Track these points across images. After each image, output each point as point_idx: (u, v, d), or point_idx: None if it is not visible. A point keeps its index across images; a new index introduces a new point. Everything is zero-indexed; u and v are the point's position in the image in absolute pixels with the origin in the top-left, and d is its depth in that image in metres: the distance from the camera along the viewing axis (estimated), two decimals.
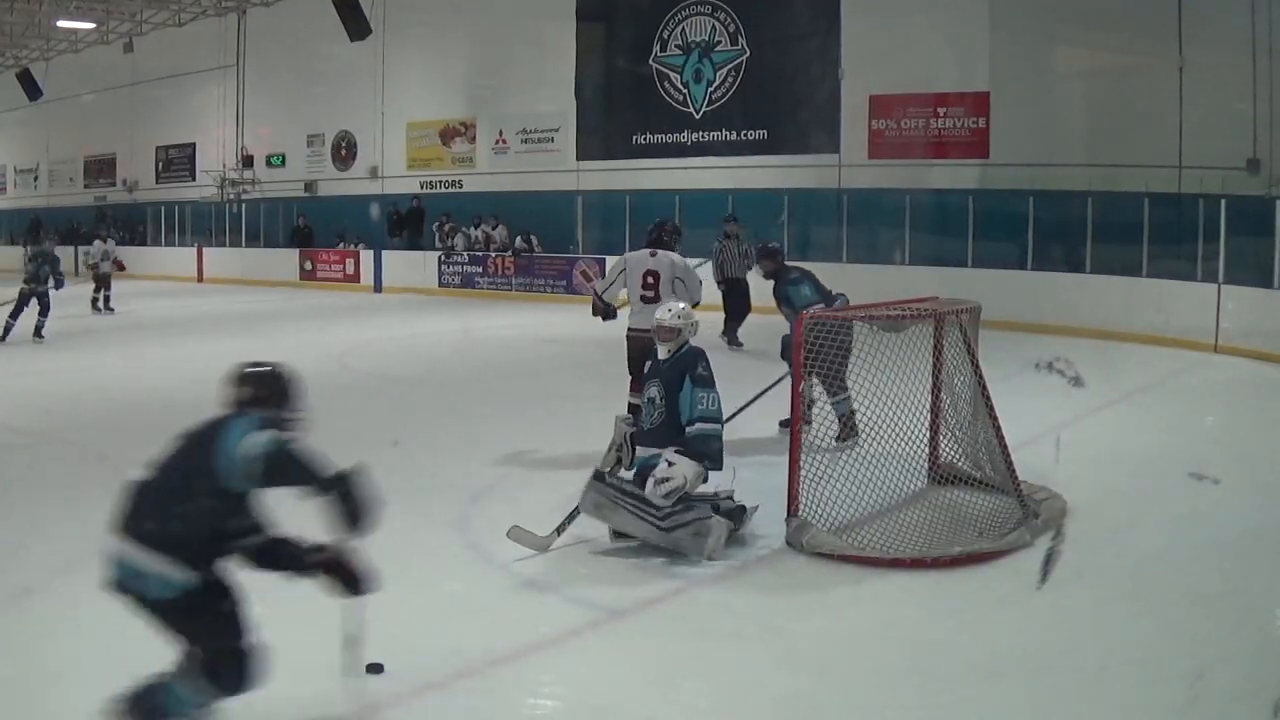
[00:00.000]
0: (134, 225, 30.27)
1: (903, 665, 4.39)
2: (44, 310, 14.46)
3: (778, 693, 4.19)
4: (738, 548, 5.69)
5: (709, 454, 5.55)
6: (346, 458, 7.17)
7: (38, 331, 14.33)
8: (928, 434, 6.68)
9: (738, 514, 5.73)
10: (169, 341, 15.31)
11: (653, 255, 7.89)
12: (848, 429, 7.27)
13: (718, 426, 5.60)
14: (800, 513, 5.67)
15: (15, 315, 14.35)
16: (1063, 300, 13.88)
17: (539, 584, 5.26)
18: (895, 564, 5.37)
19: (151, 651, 4.43)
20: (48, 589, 5.30)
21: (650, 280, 7.75)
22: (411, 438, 8.38)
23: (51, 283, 14.54)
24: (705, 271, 11.04)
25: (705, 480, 5.62)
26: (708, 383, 5.61)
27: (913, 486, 6.45)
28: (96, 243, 19.61)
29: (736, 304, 13.19)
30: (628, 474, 5.78)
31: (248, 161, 26.99)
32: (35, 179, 35.88)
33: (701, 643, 4.64)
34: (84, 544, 5.79)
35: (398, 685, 4.18)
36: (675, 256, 7.91)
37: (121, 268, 19.52)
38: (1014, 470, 6.09)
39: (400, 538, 5.91)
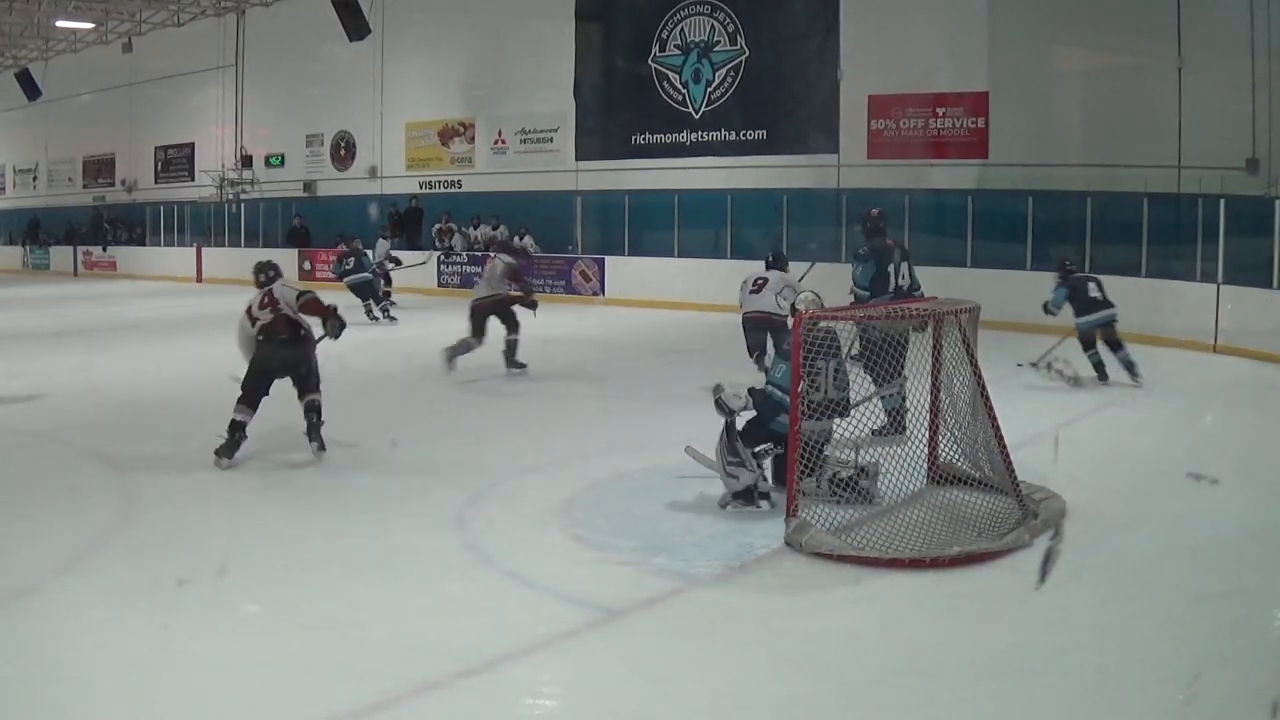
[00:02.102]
0: (133, 225, 30.29)
1: (901, 665, 4.39)
2: None
3: (776, 693, 4.20)
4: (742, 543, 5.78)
5: (756, 406, 6.29)
6: (347, 456, 7.64)
7: None
8: (927, 434, 6.72)
9: (752, 495, 6.20)
10: (168, 342, 15.32)
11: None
12: (896, 424, 7.55)
13: (777, 391, 6.27)
14: (799, 513, 5.70)
15: None
16: None
17: (538, 584, 5.27)
18: (894, 564, 5.39)
19: (153, 651, 4.46)
20: (48, 588, 5.30)
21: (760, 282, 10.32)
22: (410, 438, 8.42)
23: None
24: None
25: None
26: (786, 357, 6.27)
27: (912, 486, 6.45)
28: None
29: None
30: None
31: (247, 162, 27.03)
32: (34, 179, 35.89)
33: (700, 643, 4.65)
34: (85, 544, 5.91)
35: (397, 685, 4.17)
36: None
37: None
38: (1013, 470, 6.11)
39: (399, 538, 5.99)
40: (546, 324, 15.95)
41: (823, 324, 6.21)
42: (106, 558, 5.78)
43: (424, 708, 4.09)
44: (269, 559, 5.72)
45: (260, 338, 7.65)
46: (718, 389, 6.33)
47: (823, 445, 6.18)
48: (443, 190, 22.89)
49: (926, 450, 6.71)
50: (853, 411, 6.44)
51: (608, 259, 19.21)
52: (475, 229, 21.39)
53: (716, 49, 18.44)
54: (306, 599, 5.15)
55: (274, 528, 6.32)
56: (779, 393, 6.26)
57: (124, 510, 6.75)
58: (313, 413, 7.52)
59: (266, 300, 7.62)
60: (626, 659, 4.53)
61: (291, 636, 4.72)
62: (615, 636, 4.76)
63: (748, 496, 6.20)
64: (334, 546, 5.90)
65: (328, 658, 4.47)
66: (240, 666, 4.39)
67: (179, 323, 17.84)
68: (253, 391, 7.48)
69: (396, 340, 15.11)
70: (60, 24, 28.80)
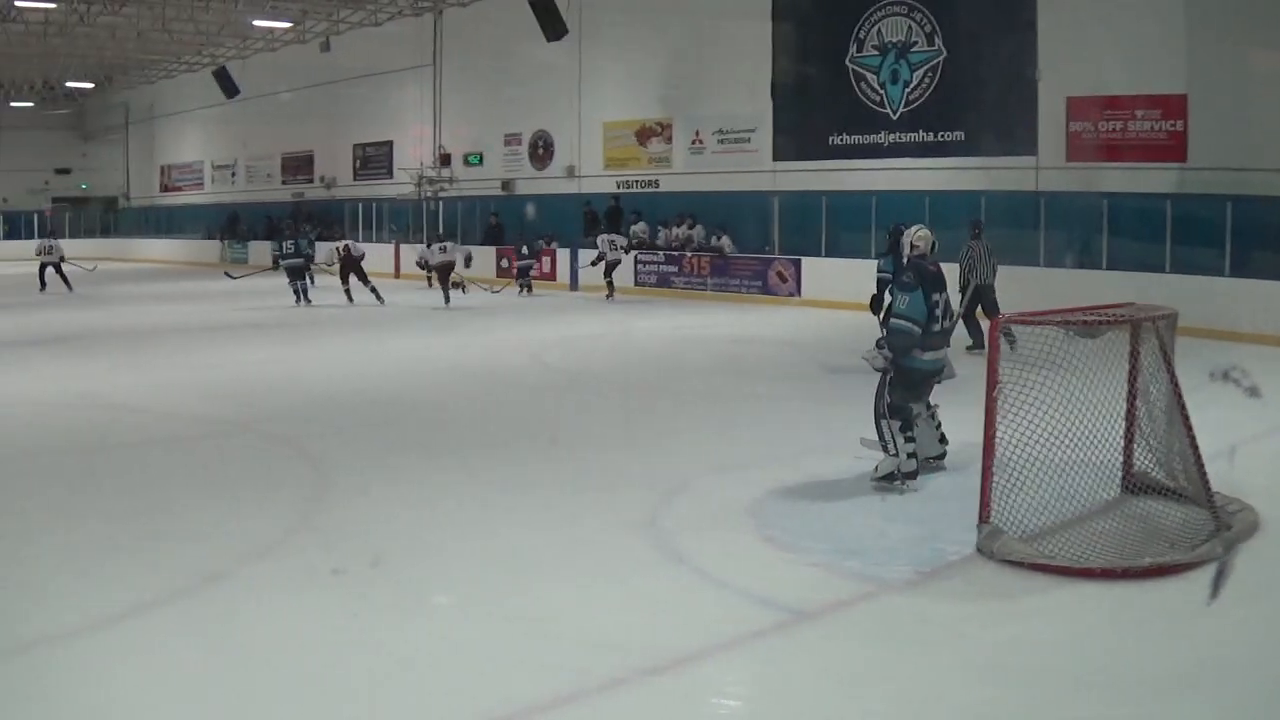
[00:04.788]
0: (331, 221, 34.12)
1: (1088, 677, 4.80)
2: None
3: (960, 701, 4.63)
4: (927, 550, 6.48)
5: (891, 349, 7.77)
6: (541, 452, 9.15)
7: None
8: (1122, 442, 7.24)
9: (895, 477, 7.73)
10: (363, 336, 17.92)
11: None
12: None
13: (901, 322, 7.68)
14: (992, 519, 6.30)
15: None
16: (1263, 308, 15.16)
17: (728, 584, 5.92)
18: (1085, 574, 5.89)
19: (342, 640, 5.21)
20: (237, 575, 6.15)
21: None
22: (604, 435, 9.93)
23: None
24: None
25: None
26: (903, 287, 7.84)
27: (1106, 495, 7.05)
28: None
29: (990, 309, 14.25)
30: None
31: (445, 160, 30.41)
32: (233, 175, 40.45)
33: (888, 647, 5.16)
34: (278, 532, 6.95)
35: (583, 681, 4.73)
36: None
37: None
38: (1207, 481, 6.58)
39: (590, 534, 6.85)
40: (741, 323, 18.05)
41: (931, 259, 7.91)
42: (299, 545, 6.72)
43: (610, 704, 4.60)
44: (460, 551, 6.57)
45: None
46: (865, 357, 7.94)
47: (935, 377, 7.91)
48: (640, 190, 25.62)
49: (1122, 459, 7.25)
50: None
51: (804, 260, 21.55)
52: (675, 228, 24.03)
53: (914, 49, 20.58)
54: (496, 592, 5.89)
55: (465, 520, 7.22)
56: (903, 322, 7.67)
57: (317, 499, 7.86)
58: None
59: None
60: (814, 661, 5.04)
61: (479, 629, 5.41)
62: (803, 638, 5.30)
63: (892, 478, 7.66)
64: (525, 541, 6.73)
65: (515, 651, 5.09)
66: (427, 657, 5.05)
67: (375, 317, 20.50)
68: None
69: (596, 337, 17.28)
70: (257, 23, 32.78)
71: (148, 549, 6.63)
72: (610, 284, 22.81)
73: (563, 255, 25.83)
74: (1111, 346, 7.02)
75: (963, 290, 14.30)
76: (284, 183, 37.81)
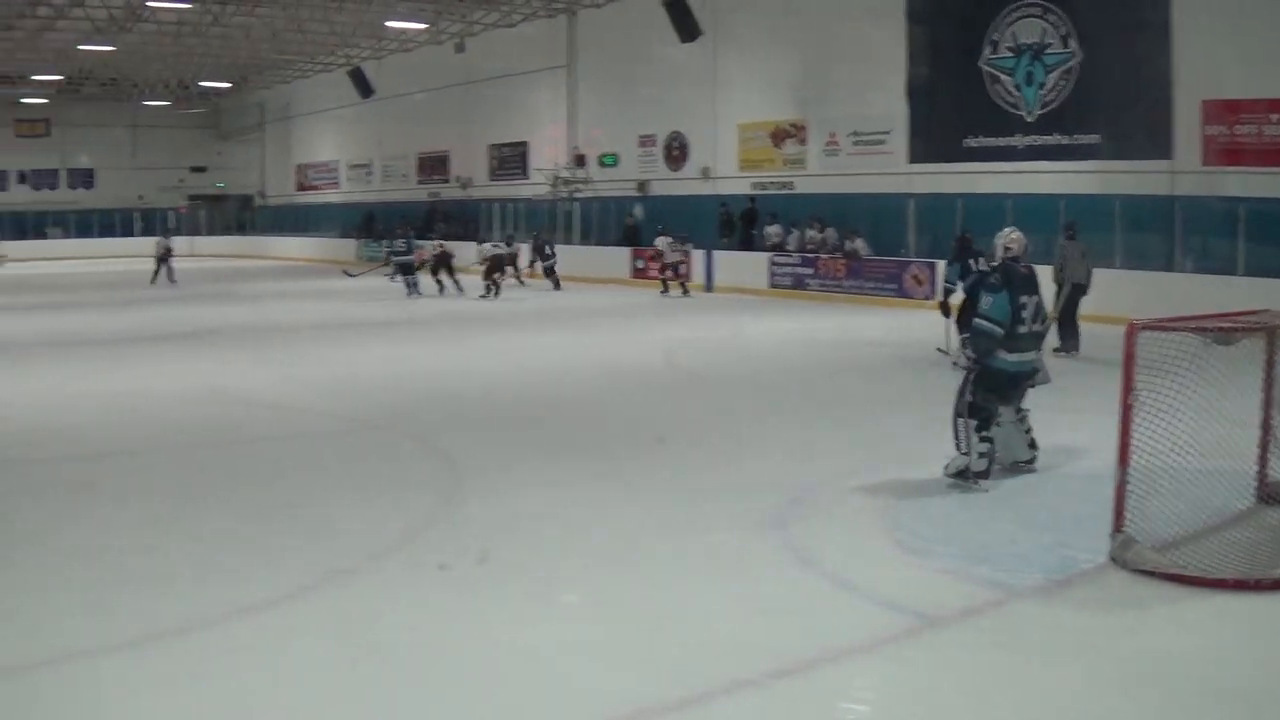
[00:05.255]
0: (466, 221, 36.47)
1: (1219, 689, 5.03)
2: None
3: (1089, 712, 4.86)
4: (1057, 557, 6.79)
5: (975, 349, 8.58)
6: (672, 453, 9.86)
7: None
8: (1257, 451, 7.52)
9: (968, 475, 8.32)
10: (494, 332, 19.64)
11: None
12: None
13: (983, 322, 8.42)
14: (1125, 528, 6.54)
15: None
16: None
17: (857, 588, 6.31)
18: (1217, 584, 6.11)
19: (469, 636, 5.70)
20: (365, 571, 6.73)
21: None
22: (735, 436, 10.62)
23: None
24: None
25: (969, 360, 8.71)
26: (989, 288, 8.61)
27: (1240, 505, 7.33)
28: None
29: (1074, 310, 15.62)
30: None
31: (580, 161, 32.50)
32: (369, 174, 43.19)
33: (1017, 656, 5.45)
34: (409, 528, 7.56)
35: (710, 682, 5.08)
36: None
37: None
38: None
39: (720, 536, 7.33)
40: (876, 326, 18.62)
41: (1023, 263, 8.59)
42: (427, 542, 7.33)
43: (735, 707, 4.89)
44: (589, 550, 7.13)
45: None
46: (950, 354, 9.33)
47: (1025, 380, 8.52)
48: (775, 191, 27.32)
49: (1257, 469, 7.53)
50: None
51: (938, 263, 22.97)
52: (808, 230, 25.69)
53: (1048, 51, 21.88)
54: (625, 591, 6.38)
55: (594, 520, 7.80)
56: (985, 323, 8.37)
57: (447, 497, 8.54)
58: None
59: None
60: (942, 668, 5.32)
61: (607, 628, 5.84)
62: (932, 644, 5.60)
63: (963, 475, 8.26)
64: (654, 540, 7.29)
65: (642, 651, 5.50)
66: (553, 654, 5.47)
67: (505, 316, 22.33)
68: None
69: (729, 338, 18.62)
70: (391, 24, 35.29)
71: (278, 544, 7.37)
72: (668, 281, 25.99)
73: (698, 257, 27.52)
74: (1247, 354, 7.23)
75: (1057, 292, 15.34)
76: (419, 182, 40.44)
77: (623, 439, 10.59)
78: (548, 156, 33.82)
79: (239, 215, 53.56)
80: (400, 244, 27.51)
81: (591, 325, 20.81)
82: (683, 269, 26.17)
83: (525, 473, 9.19)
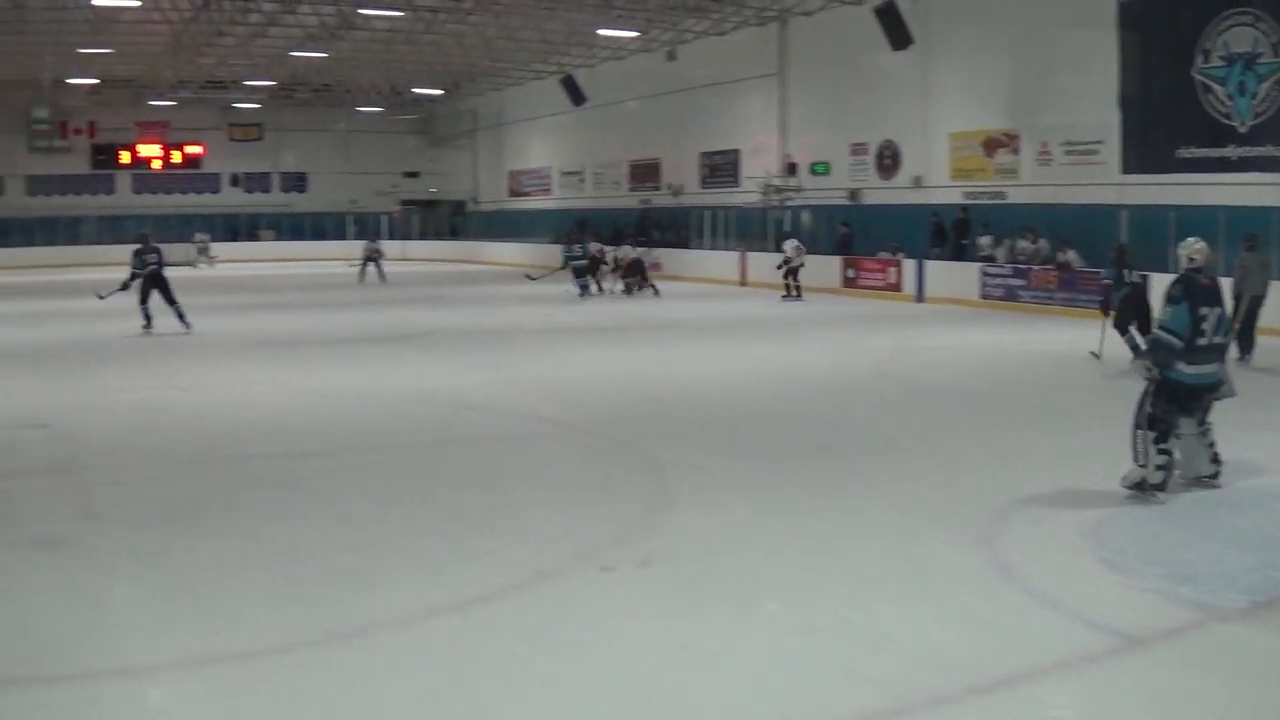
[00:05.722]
0: (678, 228, 39.10)
1: None
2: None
3: None
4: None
5: (1155, 361, 8.91)
6: (879, 465, 10.56)
7: None
8: None
9: (1144, 487, 8.76)
10: (699, 338, 21.37)
11: None
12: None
13: (1164, 335, 8.85)
14: None
15: None
16: None
17: (1060, 605, 6.55)
18: None
19: (669, 642, 6.10)
20: (569, 573, 7.25)
21: None
22: (943, 449, 11.12)
23: None
24: None
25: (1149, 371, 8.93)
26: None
27: None
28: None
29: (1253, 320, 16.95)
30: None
31: (791, 169, 34.80)
32: (581, 181, 46.33)
33: (1219, 679, 5.62)
34: (613, 533, 8.10)
35: (908, 696, 5.33)
36: None
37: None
38: None
39: (924, 549, 7.68)
40: (1090, 340, 18.74)
41: (1206, 274, 9.01)
42: (632, 546, 7.81)
43: (937, 719, 5.18)
44: (793, 558, 7.60)
45: None
46: (1132, 365, 10.04)
47: (1207, 393, 8.86)
48: (987, 201, 29.14)
49: None
50: None
51: (1152, 275, 24.44)
52: (1019, 241, 27.44)
53: (1260, 61, 23.23)
54: (826, 602, 6.72)
55: (799, 528, 8.31)
56: (1164, 334, 8.79)
57: (651, 502, 9.14)
58: None
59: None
60: (1143, 689, 5.53)
61: (806, 638, 6.16)
62: (1133, 665, 5.79)
63: (1140, 487, 8.61)
64: (858, 552, 7.71)
65: (841, 662, 5.82)
66: (753, 662, 5.81)
67: (718, 324, 24.03)
68: None
69: (939, 349, 19.73)
70: (603, 33, 38.08)
71: (481, 544, 8.01)
72: (790, 285, 29.31)
73: (909, 266, 29.55)
74: None
75: (1235, 302, 16.18)
76: (631, 190, 43.33)
77: (830, 448, 11.20)
78: (759, 164, 36.20)
79: (451, 220, 57.57)
80: (576, 249, 31.48)
81: (800, 333, 22.29)
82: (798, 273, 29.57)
83: (730, 479, 9.85)
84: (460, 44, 40.78)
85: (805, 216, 34.50)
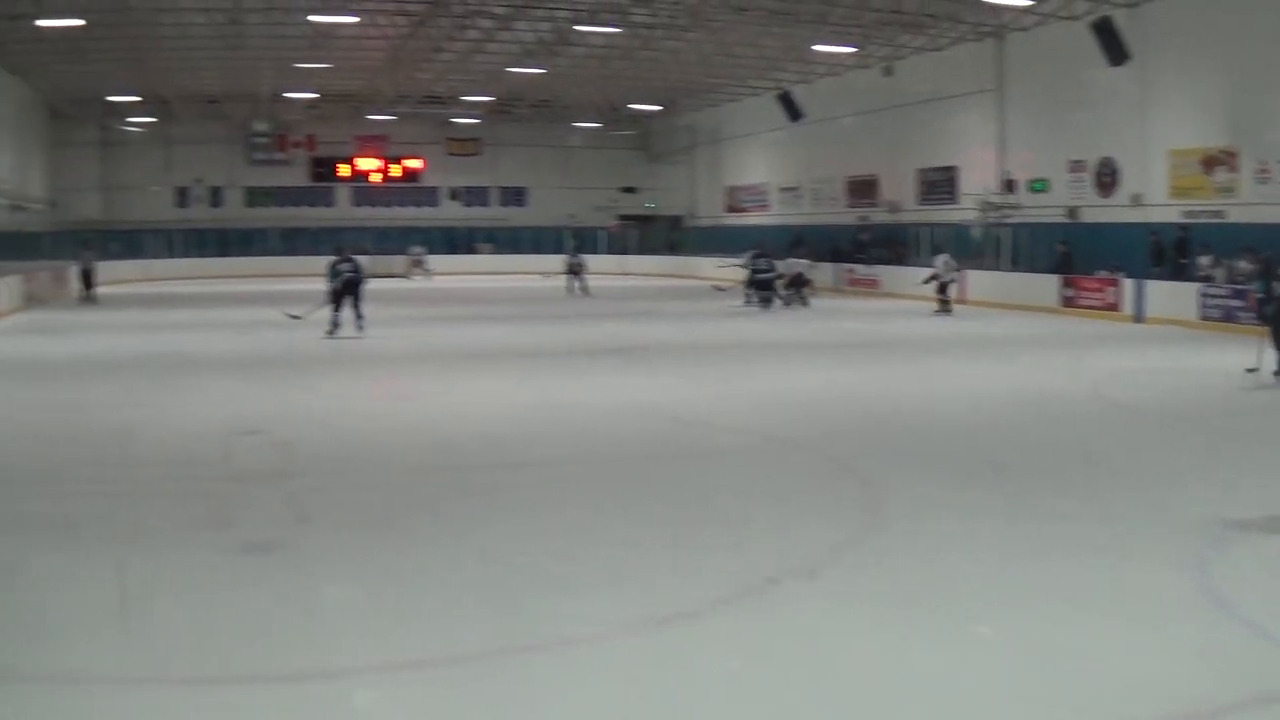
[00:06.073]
0: (895, 245, 40.63)
1: None
2: None
3: None
4: None
5: None
6: (1088, 483, 10.93)
7: None
8: None
9: None
10: (923, 359, 21.87)
11: None
12: None
13: None
14: None
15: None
16: None
17: (1273, 635, 6.61)
18: None
19: (871, 660, 6.37)
20: (780, 589, 7.51)
21: None
22: (1161, 471, 11.42)
23: None
24: None
25: None
26: None
27: None
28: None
29: None
30: None
31: (1009, 186, 36.02)
32: (798, 197, 48.20)
33: None
34: (827, 551, 8.46)
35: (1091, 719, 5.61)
36: None
37: None
38: None
39: (1134, 574, 7.88)
40: None
41: None
42: (844, 565, 8.13)
43: None
44: (1003, 580, 7.78)
45: None
46: None
47: None
48: (1207, 220, 29.99)
49: None
50: None
51: None
52: (1238, 261, 28.30)
53: None
54: (1034, 624, 6.90)
55: (1009, 550, 8.53)
56: None
57: (866, 521, 9.44)
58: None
59: None
60: None
61: (1014, 661, 6.37)
62: None
63: None
64: (1068, 573, 7.84)
65: (1045, 685, 6.00)
66: (962, 684, 6.05)
67: (933, 342, 24.88)
68: None
69: (1159, 371, 20.05)
70: (819, 48, 39.72)
71: (691, 557, 8.34)
72: (944, 301, 32.02)
73: (1128, 286, 30.46)
74: None
75: None
76: (848, 206, 44.99)
77: (1042, 467, 11.65)
78: (976, 181, 37.47)
79: (668, 235, 59.96)
80: (763, 262, 34.37)
81: (1016, 353, 22.79)
82: (951, 290, 32.10)
83: (941, 499, 10.11)
84: (677, 60, 43.07)
85: (1008, 233, 35.86)
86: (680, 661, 6.35)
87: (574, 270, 41.12)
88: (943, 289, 32.37)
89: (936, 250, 35.00)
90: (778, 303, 33.95)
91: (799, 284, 34.90)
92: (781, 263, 35.50)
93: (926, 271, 33.75)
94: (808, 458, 12.40)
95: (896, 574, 7.98)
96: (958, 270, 33.21)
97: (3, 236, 39.42)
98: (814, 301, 34.96)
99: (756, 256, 34.91)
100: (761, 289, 34.02)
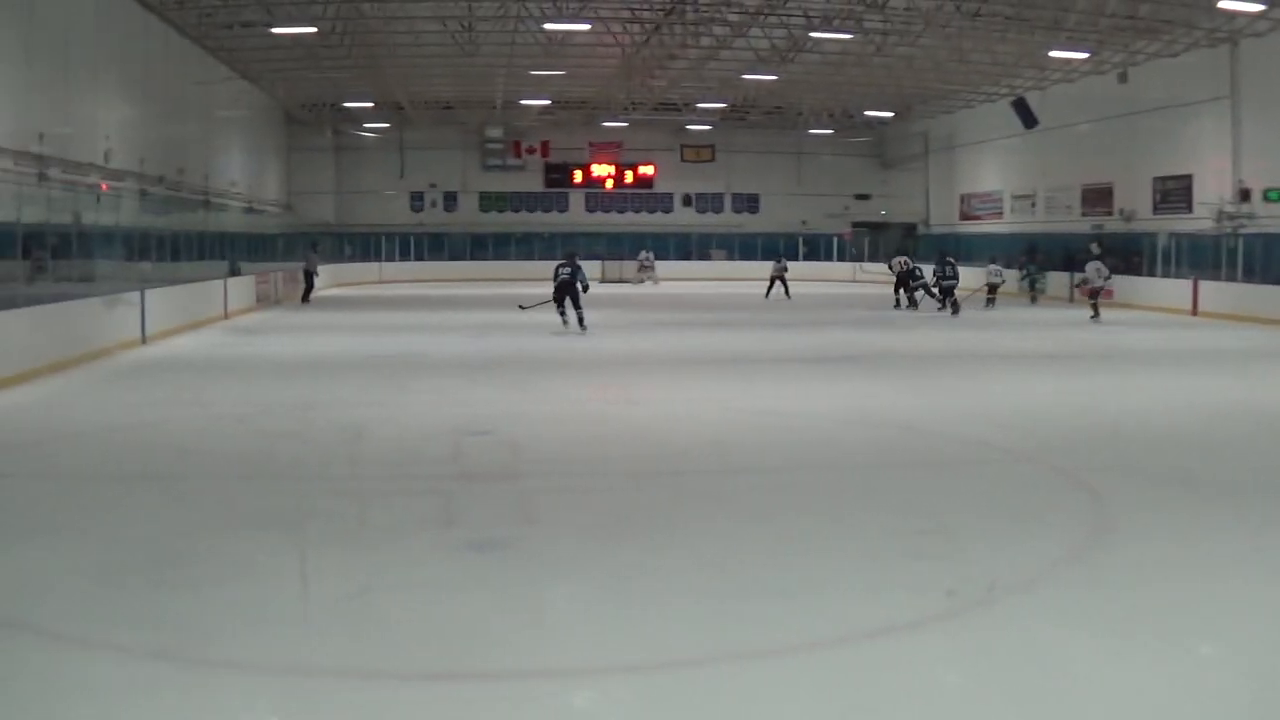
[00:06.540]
0: (1129, 254, 40.43)
1: None
2: None
3: None
4: None
5: None
6: (1242, 501, 10.70)
7: None
8: None
9: None
10: (1158, 372, 21.62)
11: None
12: None
13: None
14: None
15: None
16: None
17: None
18: None
19: (1091, 674, 6.30)
20: (994, 602, 7.62)
21: None
22: None
23: None
24: None
25: None
26: None
27: None
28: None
29: None
30: None
31: (1245, 195, 35.58)
32: (1032, 205, 48.14)
33: None
34: (1040, 563, 8.51)
35: None
36: None
37: None
38: None
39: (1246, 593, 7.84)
40: None
41: None
42: (1065, 580, 8.11)
43: None
44: (1230, 602, 7.67)
45: None
46: None
47: None
48: None
49: None
50: None
51: None
52: None
53: None
54: (1258, 648, 6.86)
55: (1239, 571, 8.37)
56: None
57: (1091, 535, 9.38)
58: None
59: None
60: None
61: (1240, 682, 6.40)
62: None
63: None
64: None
65: (1267, 711, 6.05)
66: (1183, 706, 6.04)
67: (1169, 354, 24.72)
68: None
69: None
70: (1054, 54, 39.61)
71: (910, 567, 8.35)
72: (1095, 306, 33.44)
73: None
74: None
75: None
76: (1083, 214, 44.80)
77: (1277, 491, 11.28)
78: (1211, 190, 37.07)
79: (901, 242, 60.12)
80: (949, 268, 36.41)
81: (1250, 366, 22.48)
82: (1103, 294, 33.79)
83: (1171, 515, 10.02)
84: (911, 66, 43.38)
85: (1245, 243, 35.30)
86: (900, 673, 6.44)
87: (778, 275, 43.87)
88: (1094, 295, 33.91)
89: (1090, 257, 36.38)
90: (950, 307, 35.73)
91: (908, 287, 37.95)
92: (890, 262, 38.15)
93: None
94: (1036, 469, 12.41)
95: (1118, 588, 7.99)
96: (1108, 278, 35.05)
97: (239, 238, 41.75)
98: (1070, 311, 35.97)
99: (944, 263, 36.72)
100: (944, 294, 36.15)
